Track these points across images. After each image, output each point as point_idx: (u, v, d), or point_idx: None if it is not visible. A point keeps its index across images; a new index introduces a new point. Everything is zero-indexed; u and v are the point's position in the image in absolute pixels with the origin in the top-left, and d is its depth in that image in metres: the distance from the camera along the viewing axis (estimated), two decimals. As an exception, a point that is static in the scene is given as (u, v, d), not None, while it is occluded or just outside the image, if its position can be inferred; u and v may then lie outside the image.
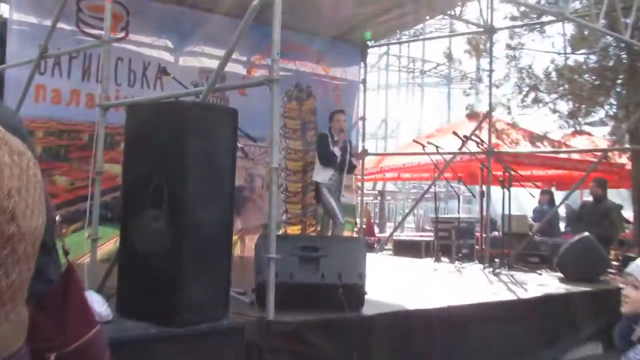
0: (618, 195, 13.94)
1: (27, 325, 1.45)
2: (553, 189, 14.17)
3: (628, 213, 12.22)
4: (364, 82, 11.44)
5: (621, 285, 2.87)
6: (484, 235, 10.46)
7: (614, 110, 11.73)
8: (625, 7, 9.17)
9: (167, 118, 4.51)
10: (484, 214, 10.94)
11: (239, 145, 5.54)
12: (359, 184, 11.45)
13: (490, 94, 10.53)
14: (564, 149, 12.07)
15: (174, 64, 8.86)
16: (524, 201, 12.07)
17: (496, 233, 11.24)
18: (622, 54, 11.10)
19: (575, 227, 10.60)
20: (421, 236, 14.31)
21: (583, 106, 11.34)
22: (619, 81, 11.22)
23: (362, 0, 9.46)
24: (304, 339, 4.62)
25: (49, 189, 6.58)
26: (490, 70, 10.67)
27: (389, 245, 12.16)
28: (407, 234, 17.35)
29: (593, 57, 11.57)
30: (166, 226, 4.25)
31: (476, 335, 5.80)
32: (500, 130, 11.69)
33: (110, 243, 7.13)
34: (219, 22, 8.65)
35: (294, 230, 10.30)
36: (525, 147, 12.05)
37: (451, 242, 10.60)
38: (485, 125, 10.67)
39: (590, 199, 10.90)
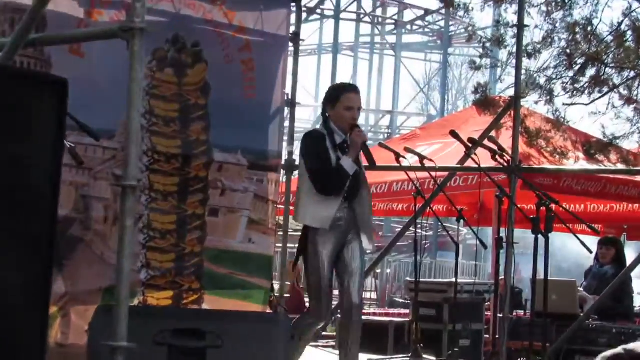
0: None
1: None
2: (623, 237, 12.08)
3: None
4: (296, 37, 8.74)
5: None
6: (499, 315, 8.24)
7: None
8: None
9: None
10: (501, 277, 8.24)
11: (67, 144, 4.76)
12: (281, 217, 8.88)
13: (518, 68, 8.26)
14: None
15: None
16: (571, 257, 10.59)
17: (521, 312, 9.43)
18: None
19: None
20: (388, 314, 11.97)
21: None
22: None
23: None
24: None
25: None
26: (520, 26, 8.19)
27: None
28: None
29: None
30: None
31: None
32: (535, 131, 9.48)
33: None
34: None
35: (162, 298, 7.91)
36: (575, 162, 9.77)
37: (441, 327, 8.48)
38: (508, 122, 8.58)
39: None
